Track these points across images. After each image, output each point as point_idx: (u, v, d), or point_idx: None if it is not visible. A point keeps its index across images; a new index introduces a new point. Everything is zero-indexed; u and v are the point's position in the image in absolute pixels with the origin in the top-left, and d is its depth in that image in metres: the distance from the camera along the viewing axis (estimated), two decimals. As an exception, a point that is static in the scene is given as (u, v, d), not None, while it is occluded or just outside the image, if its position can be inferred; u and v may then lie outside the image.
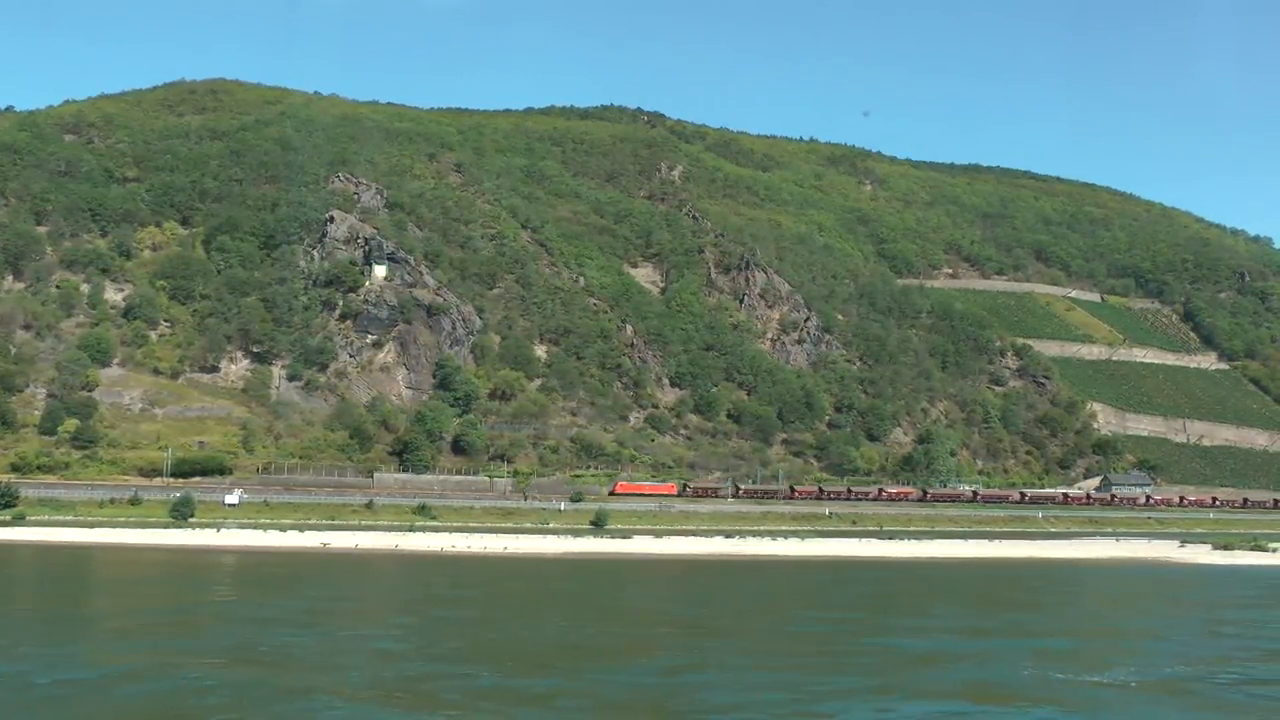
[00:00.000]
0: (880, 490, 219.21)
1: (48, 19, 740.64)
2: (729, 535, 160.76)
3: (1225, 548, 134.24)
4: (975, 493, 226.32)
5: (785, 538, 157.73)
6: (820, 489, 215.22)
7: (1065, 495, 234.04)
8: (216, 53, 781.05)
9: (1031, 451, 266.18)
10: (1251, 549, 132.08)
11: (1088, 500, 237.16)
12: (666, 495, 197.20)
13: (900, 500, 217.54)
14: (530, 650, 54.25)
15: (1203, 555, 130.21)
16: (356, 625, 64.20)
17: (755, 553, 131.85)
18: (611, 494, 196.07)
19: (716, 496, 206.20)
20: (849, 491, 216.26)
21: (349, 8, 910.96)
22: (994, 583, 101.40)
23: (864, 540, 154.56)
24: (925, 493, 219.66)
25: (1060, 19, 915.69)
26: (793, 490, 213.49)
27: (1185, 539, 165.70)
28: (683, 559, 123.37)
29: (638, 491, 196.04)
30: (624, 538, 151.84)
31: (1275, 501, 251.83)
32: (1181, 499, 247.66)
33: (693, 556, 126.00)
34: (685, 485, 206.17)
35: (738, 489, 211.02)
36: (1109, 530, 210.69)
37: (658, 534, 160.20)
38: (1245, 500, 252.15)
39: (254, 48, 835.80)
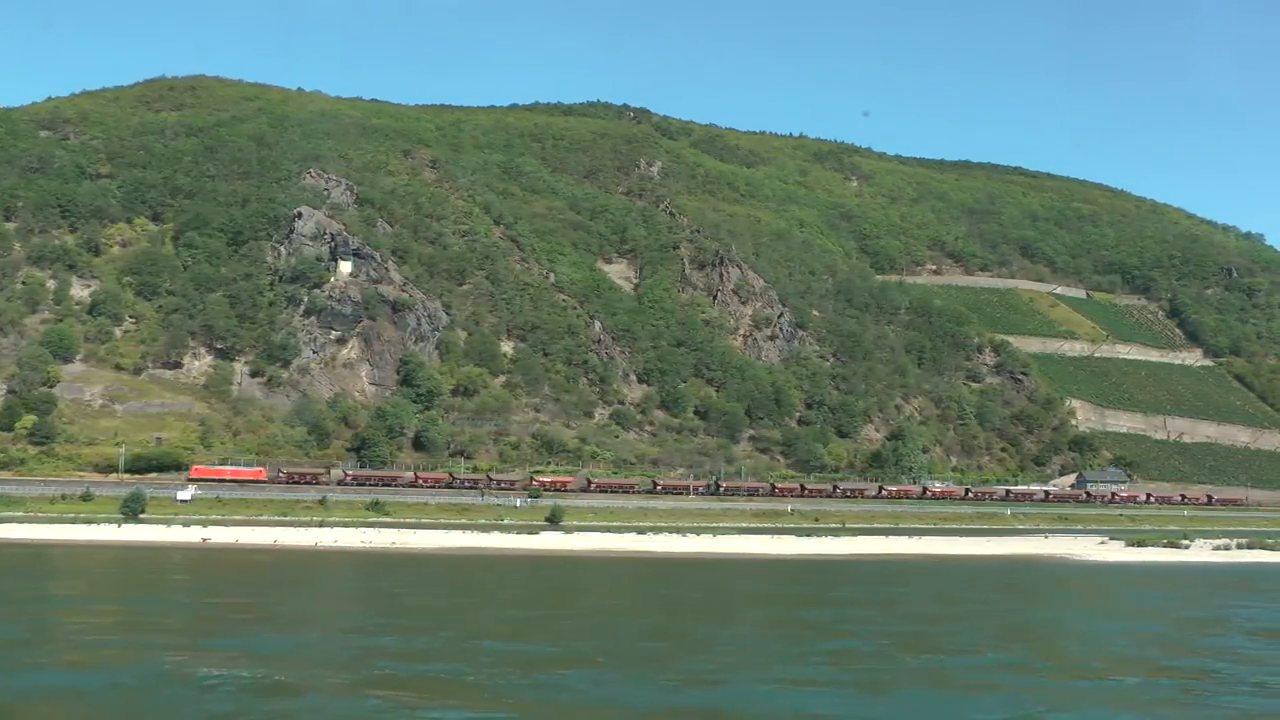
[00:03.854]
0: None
1: (45, 18, 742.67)
2: (681, 532, 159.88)
3: (1138, 544, 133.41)
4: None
5: (695, 534, 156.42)
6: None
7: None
8: (213, 50, 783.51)
9: (1007, 448, 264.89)
10: (1166, 546, 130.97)
11: (1046, 498, 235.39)
12: (254, 481, 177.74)
13: (858, 497, 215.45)
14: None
15: (1106, 553, 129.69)
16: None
17: (698, 551, 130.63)
18: (190, 479, 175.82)
19: (679, 492, 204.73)
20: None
21: (345, 5, 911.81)
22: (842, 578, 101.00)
23: (778, 537, 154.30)
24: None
25: (1057, 15, 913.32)
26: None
27: (1114, 535, 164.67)
28: (627, 557, 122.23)
29: (217, 476, 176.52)
30: (535, 535, 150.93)
31: (1209, 500, 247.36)
32: (1149, 496, 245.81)
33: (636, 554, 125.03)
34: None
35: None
36: (1079, 527, 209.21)
37: (609, 530, 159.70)
38: (1210, 497, 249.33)
39: (247, 45, 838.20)
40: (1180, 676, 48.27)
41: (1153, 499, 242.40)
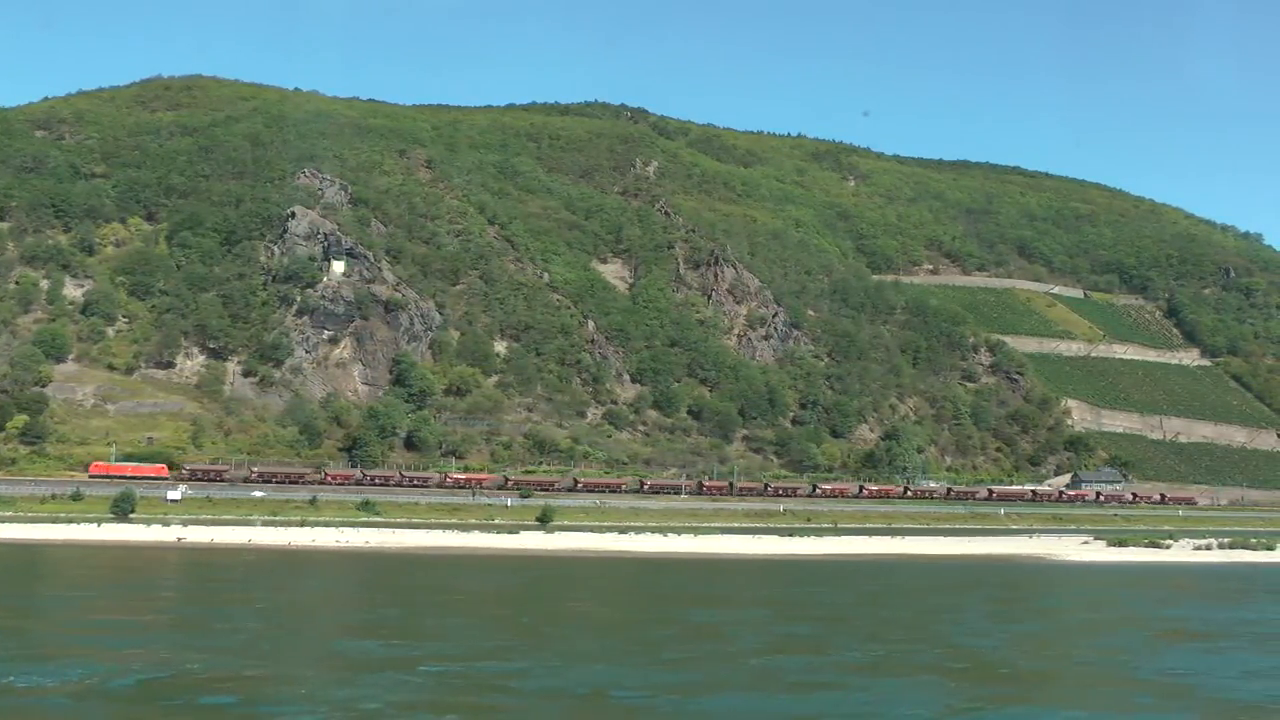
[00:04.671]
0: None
1: (45, 18, 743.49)
2: (660, 532, 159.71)
3: (1120, 544, 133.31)
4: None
5: (690, 534, 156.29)
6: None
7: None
8: (212, 51, 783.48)
9: (1002, 448, 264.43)
10: (1147, 545, 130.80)
11: (1033, 497, 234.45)
12: (155, 477, 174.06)
13: (837, 496, 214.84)
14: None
15: (1086, 553, 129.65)
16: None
17: (690, 550, 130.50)
18: (91, 475, 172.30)
19: (668, 492, 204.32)
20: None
21: (344, 5, 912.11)
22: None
23: (758, 537, 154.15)
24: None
25: (1055, 15, 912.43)
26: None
27: (1100, 535, 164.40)
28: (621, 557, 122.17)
29: (118, 473, 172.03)
30: (516, 534, 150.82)
31: (1162, 498, 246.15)
32: (1135, 496, 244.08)
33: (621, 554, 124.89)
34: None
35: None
36: (1073, 527, 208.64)
37: (599, 530, 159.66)
38: (1163, 496, 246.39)
39: (246, 45, 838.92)
40: (994, 680, 47.56)
41: (1101, 497, 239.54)
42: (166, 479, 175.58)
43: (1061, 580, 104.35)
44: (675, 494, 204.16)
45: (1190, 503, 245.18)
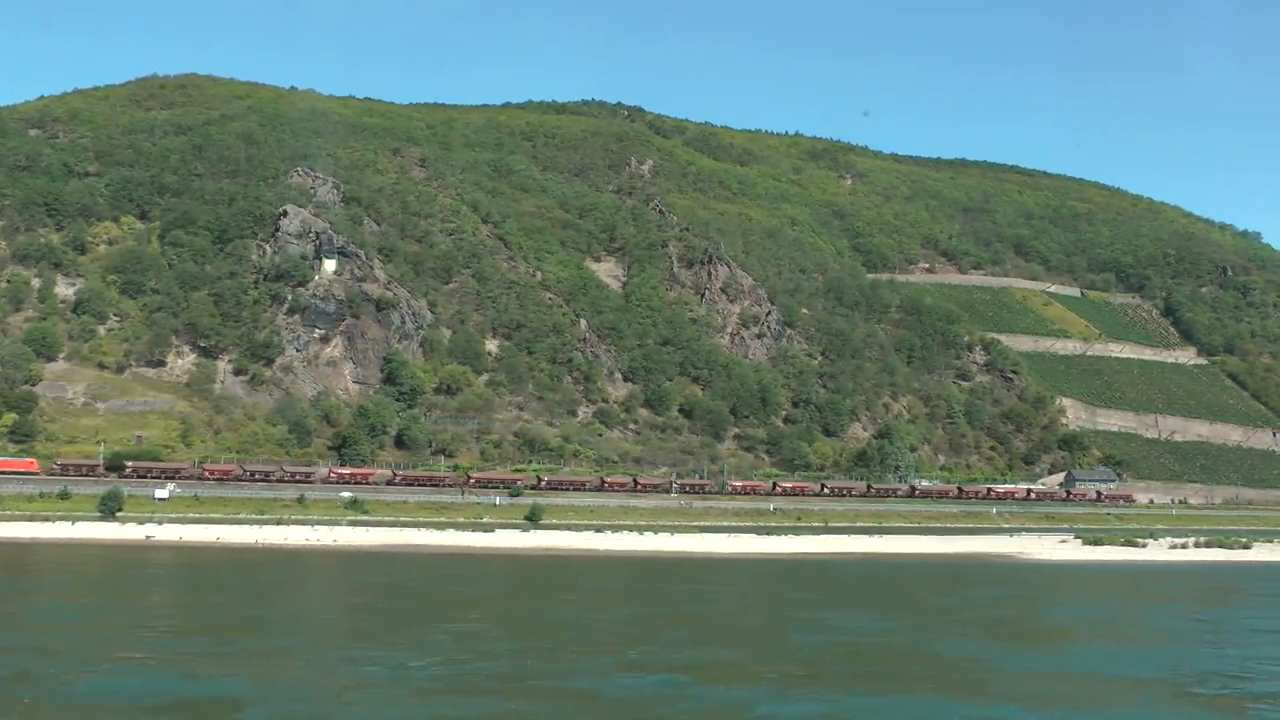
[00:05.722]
0: (774, 484, 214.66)
1: (44, 18, 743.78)
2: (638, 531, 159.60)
3: (1095, 543, 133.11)
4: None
5: (654, 533, 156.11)
6: (774, 484, 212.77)
7: (960, 489, 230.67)
8: (211, 50, 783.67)
9: (995, 447, 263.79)
10: (1123, 545, 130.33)
11: (1011, 495, 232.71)
12: (22, 473, 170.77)
13: (844, 495, 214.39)
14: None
15: (1059, 552, 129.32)
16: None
17: (671, 550, 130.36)
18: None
19: (659, 491, 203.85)
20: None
21: (342, 4, 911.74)
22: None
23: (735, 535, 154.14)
24: (774, 485, 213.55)
25: (1054, 14, 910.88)
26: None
27: (1080, 534, 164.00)
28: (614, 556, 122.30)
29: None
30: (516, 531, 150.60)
31: (1099, 496, 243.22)
32: (1030, 492, 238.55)
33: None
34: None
35: (686, 484, 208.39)
36: (1065, 525, 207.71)
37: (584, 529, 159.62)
38: (1099, 494, 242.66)
39: (244, 44, 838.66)
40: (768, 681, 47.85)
41: (1032, 494, 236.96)
42: (37, 474, 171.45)
43: (1009, 578, 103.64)
44: (665, 492, 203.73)
45: (1129, 500, 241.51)
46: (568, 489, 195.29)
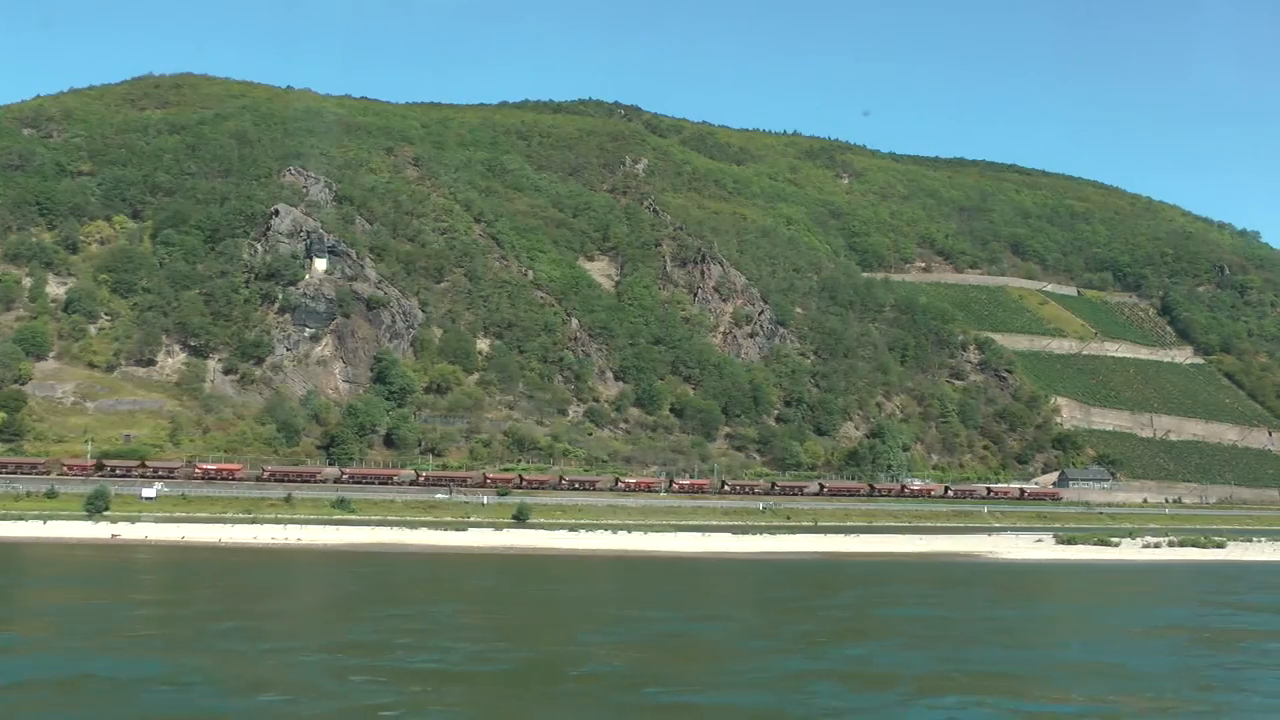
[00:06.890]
0: (772, 484, 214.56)
1: (44, 18, 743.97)
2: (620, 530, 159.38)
3: (1068, 542, 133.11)
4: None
5: (629, 532, 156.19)
6: (774, 484, 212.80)
7: (947, 489, 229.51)
8: (208, 49, 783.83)
9: (989, 446, 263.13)
10: (1096, 544, 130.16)
11: (988, 494, 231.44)
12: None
13: (794, 493, 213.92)
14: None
15: (1030, 550, 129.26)
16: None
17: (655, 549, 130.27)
18: None
19: (650, 491, 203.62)
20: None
21: (340, 4, 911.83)
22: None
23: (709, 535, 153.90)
24: (773, 485, 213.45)
25: (1052, 13, 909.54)
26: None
27: (1057, 533, 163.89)
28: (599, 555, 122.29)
29: None
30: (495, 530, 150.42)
31: (1021, 493, 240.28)
32: (948, 489, 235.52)
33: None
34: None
35: (720, 484, 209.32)
36: (1058, 525, 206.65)
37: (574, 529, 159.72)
38: (1021, 491, 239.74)
39: (242, 43, 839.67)
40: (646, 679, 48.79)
41: (951, 491, 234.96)
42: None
43: (948, 578, 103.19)
44: (655, 492, 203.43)
45: (1055, 498, 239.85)
46: (548, 487, 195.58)
